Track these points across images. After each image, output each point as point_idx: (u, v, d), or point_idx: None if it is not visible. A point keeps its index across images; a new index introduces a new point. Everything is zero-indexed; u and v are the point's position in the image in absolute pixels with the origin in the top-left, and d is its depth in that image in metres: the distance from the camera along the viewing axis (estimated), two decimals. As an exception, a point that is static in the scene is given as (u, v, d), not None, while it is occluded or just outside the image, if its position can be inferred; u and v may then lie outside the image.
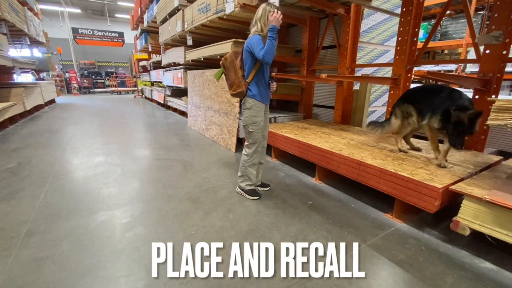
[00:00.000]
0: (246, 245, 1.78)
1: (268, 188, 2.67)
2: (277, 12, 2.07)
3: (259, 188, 2.64)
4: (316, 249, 1.74)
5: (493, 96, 2.49)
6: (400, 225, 2.03)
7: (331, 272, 1.53)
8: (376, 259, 1.65)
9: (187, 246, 1.76)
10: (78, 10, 18.49)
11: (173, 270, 1.54)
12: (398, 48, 3.09)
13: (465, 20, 5.42)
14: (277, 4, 3.03)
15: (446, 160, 2.21)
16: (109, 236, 1.88)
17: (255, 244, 1.78)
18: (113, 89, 17.35)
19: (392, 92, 3.23)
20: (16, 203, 2.35)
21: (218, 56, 4.47)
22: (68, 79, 16.16)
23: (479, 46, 2.54)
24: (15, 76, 8.65)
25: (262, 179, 2.69)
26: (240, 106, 2.36)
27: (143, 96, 13.35)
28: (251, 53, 2.16)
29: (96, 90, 17.34)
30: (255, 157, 2.43)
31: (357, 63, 3.85)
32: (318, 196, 2.50)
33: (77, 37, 17.08)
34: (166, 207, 2.29)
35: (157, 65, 10.09)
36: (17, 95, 6.49)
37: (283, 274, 1.52)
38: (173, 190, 2.64)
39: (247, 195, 2.48)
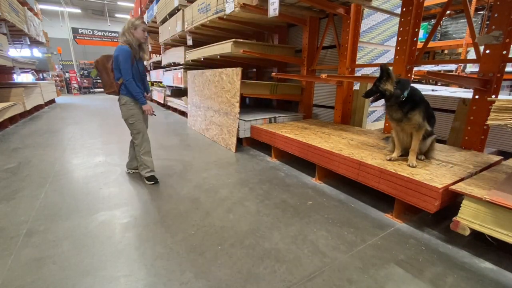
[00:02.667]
0: (246, 245, 1.78)
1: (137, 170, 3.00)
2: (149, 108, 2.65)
3: (133, 170, 3.03)
4: (316, 249, 1.74)
5: (493, 96, 2.49)
6: (400, 225, 2.03)
7: (331, 272, 1.53)
8: (376, 259, 1.65)
9: (187, 246, 1.77)
10: (78, 10, 18.50)
11: (173, 270, 1.55)
12: (398, 48, 3.09)
13: (465, 20, 5.42)
14: (276, 4, 3.03)
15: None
16: (109, 236, 1.88)
17: (255, 244, 1.79)
18: (113, 89, 17.30)
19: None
20: (16, 203, 2.35)
21: (218, 56, 4.47)
22: (68, 79, 16.16)
23: (479, 46, 2.54)
24: (15, 76, 8.65)
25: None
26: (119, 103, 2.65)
27: (143, 96, 13.31)
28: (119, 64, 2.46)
29: (96, 90, 17.34)
30: (145, 145, 2.74)
31: (357, 63, 3.85)
32: (318, 196, 2.50)
33: (77, 37, 17.08)
34: (166, 207, 2.29)
35: (157, 65, 10.09)
36: (17, 95, 6.49)
37: (283, 274, 1.52)
38: (173, 190, 2.64)
39: (146, 181, 2.77)
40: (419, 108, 2.12)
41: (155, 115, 2.78)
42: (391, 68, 2.19)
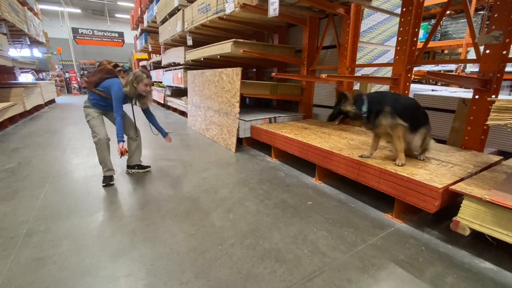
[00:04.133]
0: (246, 245, 1.78)
1: (148, 169, 3.10)
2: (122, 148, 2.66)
3: (139, 170, 3.04)
4: (316, 249, 1.74)
5: (493, 96, 2.49)
6: (400, 225, 2.03)
7: (331, 272, 1.53)
8: (376, 259, 1.65)
9: (187, 246, 1.77)
10: (78, 10, 18.49)
11: (173, 270, 1.55)
12: (398, 48, 3.09)
13: (465, 20, 5.43)
14: (276, 4, 3.03)
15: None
16: (109, 236, 1.88)
17: (255, 244, 1.79)
18: (113, 89, 17.29)
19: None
20: (16, 203, 2.35)
21: (218, 56, 4.47)
22: (68, 79, 16.16)
23: (479, 46, 2.54)
24: (18, 76, 8.64)
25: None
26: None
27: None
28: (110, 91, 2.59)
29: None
30: (101, 148, 2.73)
31: (357, 63, 3.85)
32: (318, 196, 2.50)
33: (77, 37, 17.05)
34: (166, 207, 2.29)
35: (157, 65, 10.09)
36: (17, 95, 6.49)
37: (283, 274, 1.52)
38: (173, 190, 2.64)
39: (102, 182, 2.73)
40: (383, 113, 2.17)
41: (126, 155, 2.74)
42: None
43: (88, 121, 2.68)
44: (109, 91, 2.59)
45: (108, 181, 2.73)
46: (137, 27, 11.42)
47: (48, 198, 2.45)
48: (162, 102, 9.06)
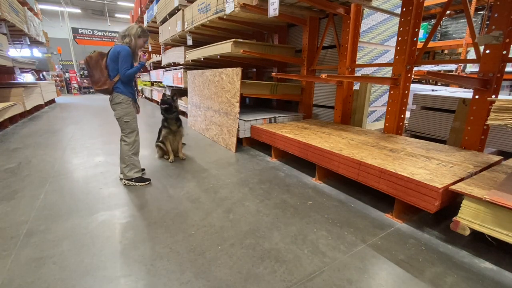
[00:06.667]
0: (246, 245, 1.78)
1: (143, 172, 3.03)
2: (144, 53, 2.62)
3: (137, 183, 2.84)
4: (316, 249, 1.74)
5: (493, 96, 2.49)
6: (400, 225, 2.03)
7: (331, 272, 1.53)
8: (376, 259, 1.65)
9: (187, 246, 1.77)
10: (78, 10, 18.50)
11: (173, 270, 1.55)
12: (398, 48, 3.09)
13: (465, 20, 5.43)
14: (276, 4, 3.03)
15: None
16: (109, 236, 1.88)
17: (255, 244, 1.79)
18: (113, 89, 17.29)
19: (392, 92, 3.23)
20: (16, 203, 2.35)
21: (218, 56, 4.47)
22: (68, 79, 16.16)
23: (479, 46, 2.54)
24: (19, 77, 8.63)
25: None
26: (110, 101, 2.62)
27: (143, 96, 13.34)
28: (118, 61, 2.47)
29: (96, 90, 17.30)
30: (136, 145, 2.72)
31: (357, 63, 3.85)
32: (318, 196, 2.50)
33: (77, 37, 17.08)
34: (166, 207, 2.29)
35: (157, 65, 10.09)
36: (17, 95, 6.49)
37: (283, 274, 1.52)
38: (173, 190, 2.64)
39: (137, 183, 2.70)
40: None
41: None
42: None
43: (127, 122, 2.62)
44: (119, 56, 2.43)
45: (145, 180, 2.75)
46: (137, 27, 11.40)
47: (48, 198, 2.45)
48: (162, 102, 9.04)
